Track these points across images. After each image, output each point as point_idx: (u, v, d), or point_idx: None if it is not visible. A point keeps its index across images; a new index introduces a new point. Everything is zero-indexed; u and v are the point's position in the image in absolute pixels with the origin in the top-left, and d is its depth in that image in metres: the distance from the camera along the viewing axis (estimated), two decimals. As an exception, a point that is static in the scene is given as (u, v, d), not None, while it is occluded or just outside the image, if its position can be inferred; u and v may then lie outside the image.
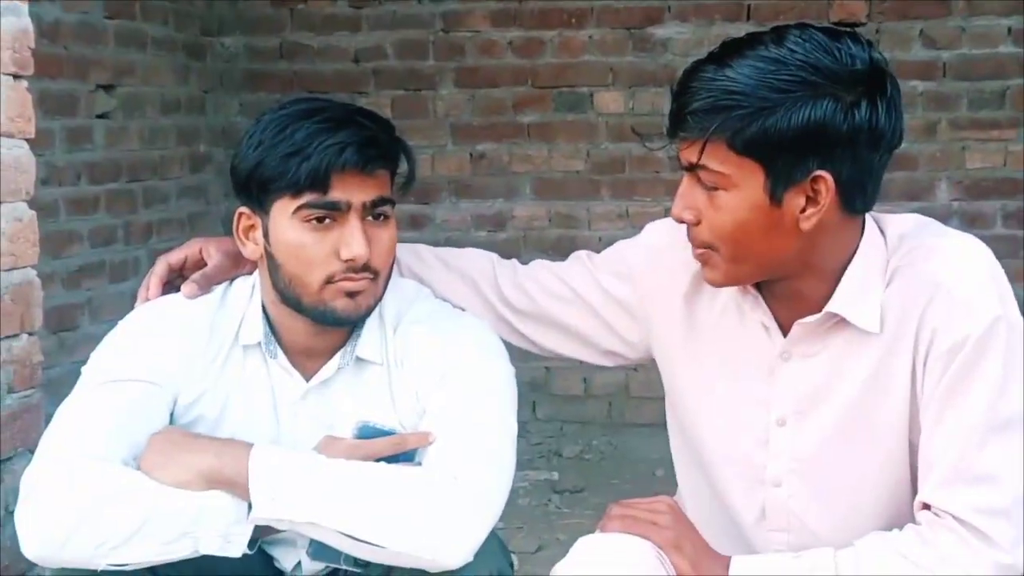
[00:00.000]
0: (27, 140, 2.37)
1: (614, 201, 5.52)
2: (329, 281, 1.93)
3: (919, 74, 5.28)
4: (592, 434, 5.35)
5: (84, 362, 2.03)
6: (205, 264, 2.12)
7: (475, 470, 1.87)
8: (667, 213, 5.84)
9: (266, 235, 1.96)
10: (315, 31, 5.61)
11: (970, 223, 5.18)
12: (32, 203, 2.39)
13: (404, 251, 2.19)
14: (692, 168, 1.85)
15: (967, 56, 5.30)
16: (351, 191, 1.91)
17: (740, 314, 2.00)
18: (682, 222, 1.91)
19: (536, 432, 5.22)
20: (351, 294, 1.93)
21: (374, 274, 1.95)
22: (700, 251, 1.90)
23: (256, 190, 1.94)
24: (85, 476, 1.82)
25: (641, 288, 2.11)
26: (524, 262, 2.27)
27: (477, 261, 2.24)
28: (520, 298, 2.18)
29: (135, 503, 1.81)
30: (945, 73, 5.33)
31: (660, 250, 2.10)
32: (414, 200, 5.38)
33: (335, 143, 1.89)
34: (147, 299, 2.10)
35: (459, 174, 5.57)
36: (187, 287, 2.06)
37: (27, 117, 2.36)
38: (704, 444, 2.07)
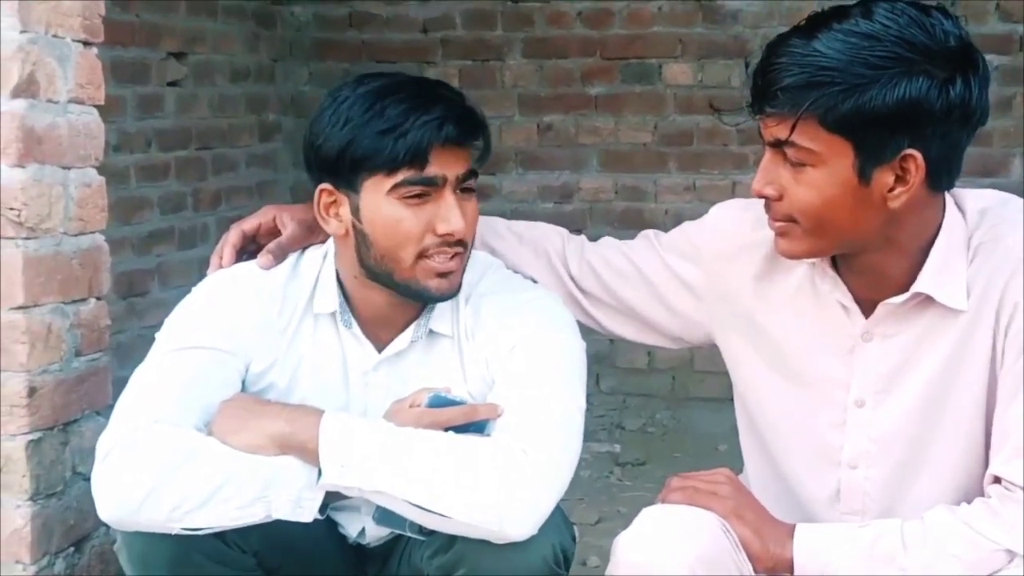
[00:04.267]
0: (97, 107, 2.38)
1: (681, 174, 5.47)
2: (422, 256, 1.93)
3: (995, 48, 5.16)
4: (655, 407, 5.33)
5: (153, 327, 2.04)
6: (279, 232, 2.12)
7: (544, 443, 1.86)
8: (735, 187, 5.77)
9: (355, 213, 1.95)
10: (384, 0, 5.61)
11: (1044, 200, 5.08)
12: (102, 169, 2.40)
13: (478, 222, 2.19)
14: (779, 144, 1.82)
15: (1045, 30, 5.19)
16: (447, 165, 1.92)
17: (816, 294, 1.97)
18: (763, 197, 1.88)
19: (599, 404, 5.20)
20: (443, 274, 1.94)
21: (465, 248, 1.96)
22: (780, 224, 1.87)
23: (347, 169, 1.93)
24: (161, 440, 1.83)
25: (708, 269, 2.08)
26: (590, 235, 2.26)
27: (549, 235, 2.22)
28: (586, 275, 2.17)
29: (211, 467, 1.82)
30: (1021, 47, 5.22)
31: (728, 232, 2.07)
32: (480, 171, 5.35)
33: (433, 118, 1.89)
34: (220, 266, 2.11)
35: (526, 145, 5.55)
36: (263, 258, 2.06)
37: (97, 84, 2.37)
38: (774, 426, 2.04)
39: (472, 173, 1.96)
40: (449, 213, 1.92)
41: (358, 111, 1.91)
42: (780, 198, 1.85)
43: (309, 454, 1.83)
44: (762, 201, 1.90)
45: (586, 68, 5.50)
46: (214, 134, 5.04)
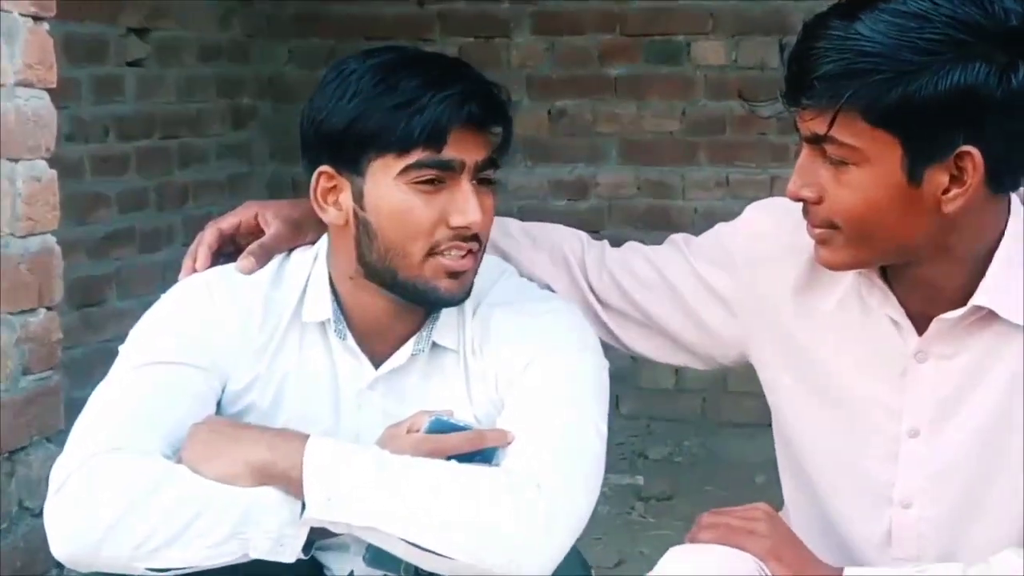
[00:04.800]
0: (48, 90, 2.39)
1: (713, 167, 5.47)
2: (432, 252, 1.93)
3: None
4: (683, 434, 5.33)
5: (111, 341, 2.05)
6: (261, 232, 2.12)
7: (559, 474, 1.85)
8: (774, 182, 5.75)
9: (358, 199, 1.95)
10: (375, -31, 5.63)
11: None
12: (53, 161, 2.42)
13: None
14: (817, 140, 1.82)
15: None
16: (466, 149, 1.91)
17: (863, 308, 1.96)
18: (800, 200, 1.88)
19: (619, 430, 5.20)
20: (454, 274, 1.94)
21: (480, 244, 1.96)
22: (819, 230, 1.87)
23: (352, 147, 1.93)
24: (124, 468, 1.83)
25: (742, 279, 2.08)
26: (607, 237, 2.26)
27: (568, 239, 2.22)
28: (606, 285, 2.17)
29: (180, 498, 1.81)
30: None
31: (764, 236, 2.07)
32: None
33: (454, 94, 1.89)
34: (194, 270, 2.11)
35: (536, 134, 5.55)
36: (243, 261, 2.06)
37: (48, 64, 2.38)
38: (816, 458, 2.04)
39: (492, 162, 1.96)
40: (466, 204, 1.91)
41: (368, 83, 1.91)
42: (819, 201, 1.84)
43: (292, 485, 1.83)
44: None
45: (604, 46, 5.51)
46: (181, 121, 5.05)
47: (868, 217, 1.81)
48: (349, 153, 1.93)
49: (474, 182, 1.94)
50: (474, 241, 1.94)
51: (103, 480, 1.82)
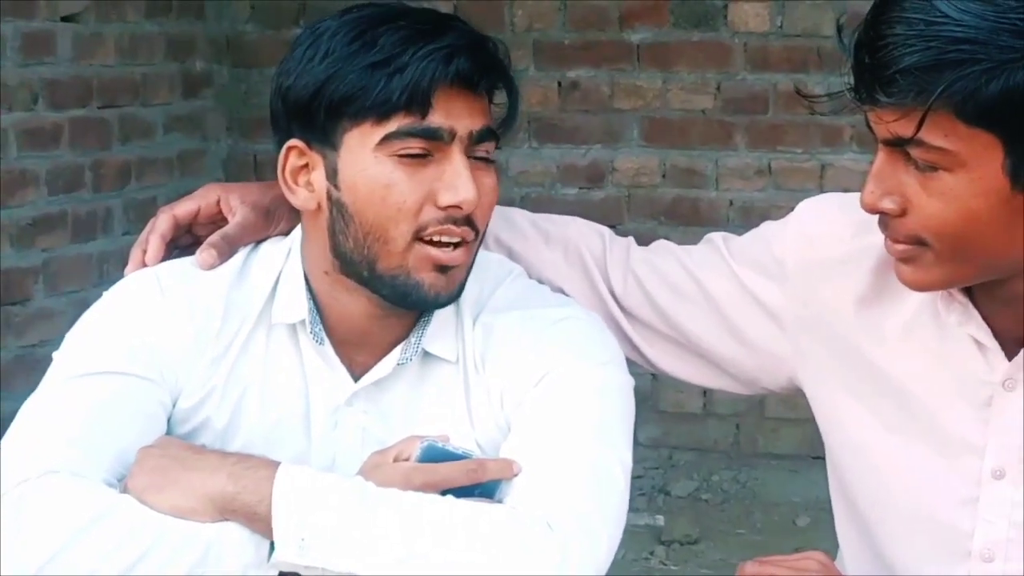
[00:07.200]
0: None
1: (752, 152, 5.48)
2: (418, 237, 1.93)
3: None
4: (712, 466, 5.35)
5: (36, 346, 2.06)
6: (224, 220, 2.12)
7: (575, 514, 1.85)
8: (825, 170, 5.75)
9: (332, 176, 1.95)
10: (355, -89, 5.64)
11: None
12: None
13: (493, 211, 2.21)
14: (900, 143, 1.82)
15: None
16: (456, 116, 1.91)
17: (940, 327, 1.96)
18: (879, 212, 1.87)
19: (637, 461, 5.16)
20: (442, 267, 1.94)
21: (475, 231, 1.95)
22: (903, 247, 1.87)
23: (323, 115, 1.94)
24: (59, 496, 1.83)
25: (794, 290, 2.08)
26: (627, 231, 2.26)
27: (586, 235, 2.22)
28: (632, 292, 2.16)
29: (125, 534, 1.81)
30: None
31: (820, 240, 2.06)
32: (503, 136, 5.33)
33: (440, 48, 1.89)
34: (144, 264, 2.12)
35: (543, 110, 5.57)
36: (203, 253, 2.06)
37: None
38: (880, 500, 2.04)
39: (490, 133, 1.96)
40: (456, 178, 1.91)
41: (342, 41, 1.92)
42: (903, 213, 1.84)
43: (258, 521, 1.83)
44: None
45: (625, 7, 5.52)
46: (122, 87, 5.05)
47: (964, 230, 1.80)
48: (321, 123, 1.94)
49: (470, 157, 1.94)
50: (468, 227, 1.93)
51: (36, 510, 1.82)
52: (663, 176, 5.56)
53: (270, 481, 1.83)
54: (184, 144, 5.42)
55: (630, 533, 4.63)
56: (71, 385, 1.96)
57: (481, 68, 1.93)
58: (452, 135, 1.91)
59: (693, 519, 4.88)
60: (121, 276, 2.10)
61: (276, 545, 1.82)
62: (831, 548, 2.17)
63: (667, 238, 2.25)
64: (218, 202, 2.13)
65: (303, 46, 1.95)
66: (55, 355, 2.01)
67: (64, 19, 4.73)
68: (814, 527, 4.59)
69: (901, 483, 2.01)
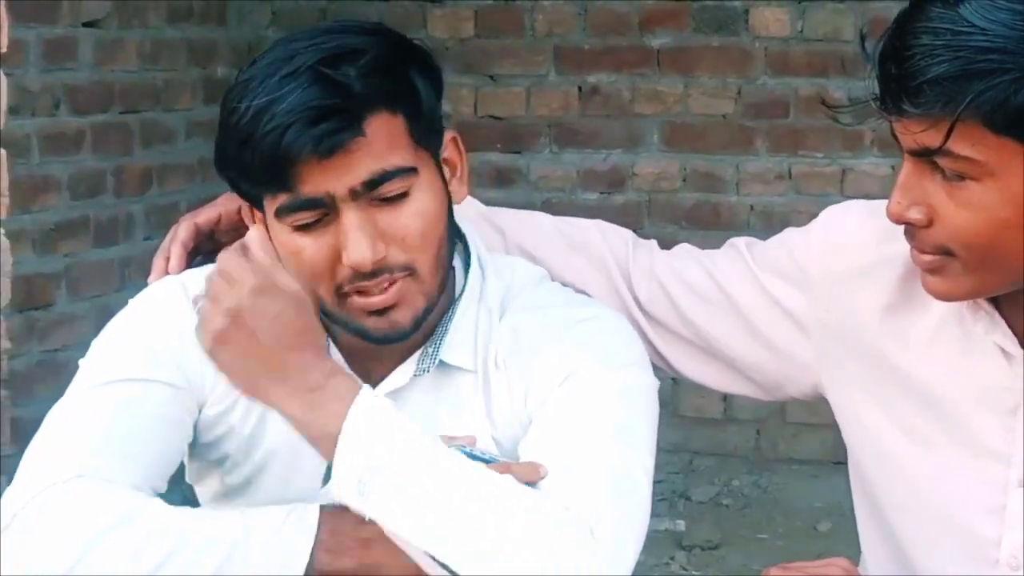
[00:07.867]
0: (-9, 54, 2.41)
1: (773, 156, 5.47)
2: (341, 293, 1.93)
3: None
4: (732, 471, 5.34)
5: (59, 351, 2.06)
6: (245, 228, 2.13)
7: (609, 521, 1.84)
8: (846, 175, 5.73)
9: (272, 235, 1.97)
10: (375, -83, 5.65)
11: None
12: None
13: (511, 219, 2.18)
14: (927, 153, 1.81)
15: None
16: (329, 179, 1.86)
17: (965, 335, 1.95)
18: (906, 223, 1.87)
19: (657, 466, 5.20)
20: (378, 311, 1.93)
21: (406, 270, 1.92)
22: (930, 257, 1.86)
23: (231, 183, 1.97)
24: (87, 500, 1.84)
25: (818, 298, 2.07)
26: (647, 236, 2.24)
27: (610, 239, 2.21)
28: (655, 297, 2.15)
29: (149, 536, 1.82)
30: None
31: (845, 248, 2.06)
32: (500, 148, 5.38)
33: (275, 127, 1.83)
34: (166, 272, 2.13)
35: (563, 115, 5.56)
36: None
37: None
38: (905, 508, 2.03)
39: (385, 175, 1.88)
40: (346, 240, 1.88)
41: (231, 102, 1.90)
42: (930, 224, 1.83)
43: (325, 445, 1.82)
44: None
45: (645, 12, 5.52)
46: (144, 93, 5.06)
47: (992, 240, 1.80)
48: (235, 188, 1.96)
49: (369, 203, 1.88)
50: (387, 273, 1.90)
51: (61, 513, 1.83)
52: (683, 181, 5.55)
53: (345, 409, 1.82)
54: (206, 149, 5.41)
55: (651, 538, 4.60)
56: (97, 392, 1.97)
57: (336, 127, 1.84)
58: (332, 198, 1.87)
59: (714, 524, 4.87)
60: (143, 281, 2.11)
61: (333, 479, 1.80)
62: (853, 553, 2.16)
63: (687, 243, 2.24)
64: (239, 210, 2.14)
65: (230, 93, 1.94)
66: (81, 362, 2.02)
67: (86, 25, 4.74)
68: (835, 532, 4.57)
69: (927, 490, 2.00)
